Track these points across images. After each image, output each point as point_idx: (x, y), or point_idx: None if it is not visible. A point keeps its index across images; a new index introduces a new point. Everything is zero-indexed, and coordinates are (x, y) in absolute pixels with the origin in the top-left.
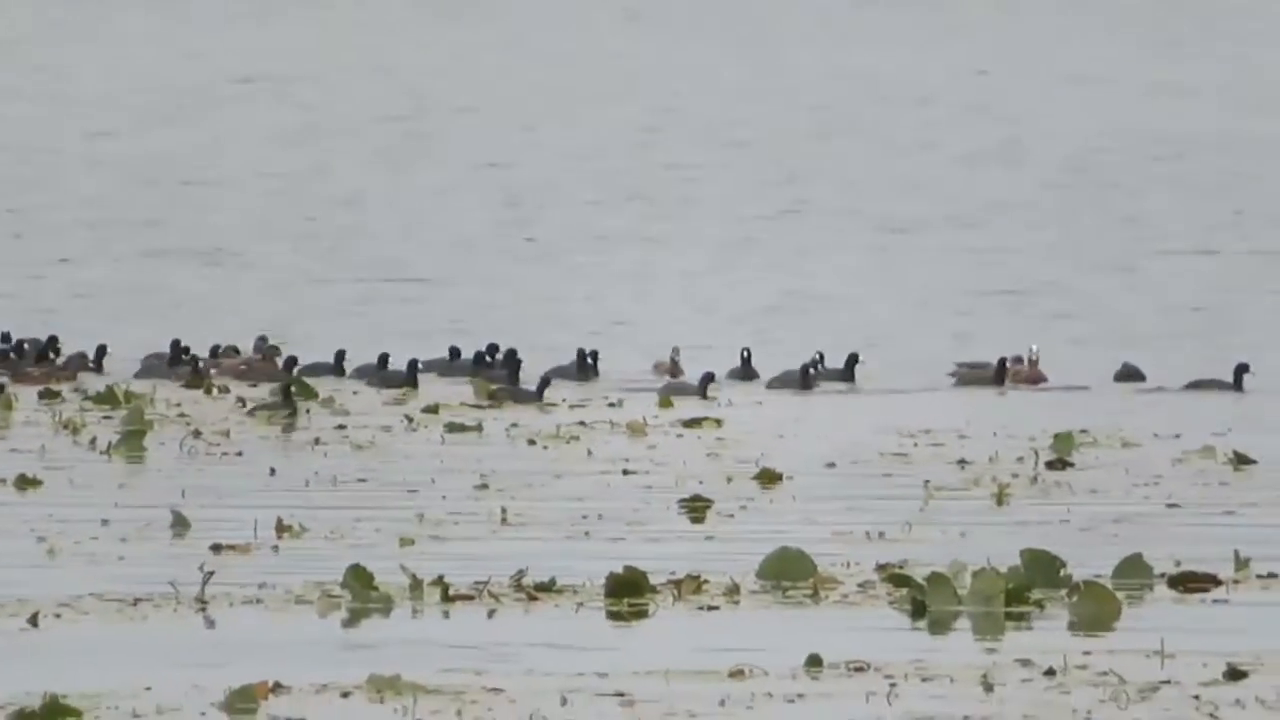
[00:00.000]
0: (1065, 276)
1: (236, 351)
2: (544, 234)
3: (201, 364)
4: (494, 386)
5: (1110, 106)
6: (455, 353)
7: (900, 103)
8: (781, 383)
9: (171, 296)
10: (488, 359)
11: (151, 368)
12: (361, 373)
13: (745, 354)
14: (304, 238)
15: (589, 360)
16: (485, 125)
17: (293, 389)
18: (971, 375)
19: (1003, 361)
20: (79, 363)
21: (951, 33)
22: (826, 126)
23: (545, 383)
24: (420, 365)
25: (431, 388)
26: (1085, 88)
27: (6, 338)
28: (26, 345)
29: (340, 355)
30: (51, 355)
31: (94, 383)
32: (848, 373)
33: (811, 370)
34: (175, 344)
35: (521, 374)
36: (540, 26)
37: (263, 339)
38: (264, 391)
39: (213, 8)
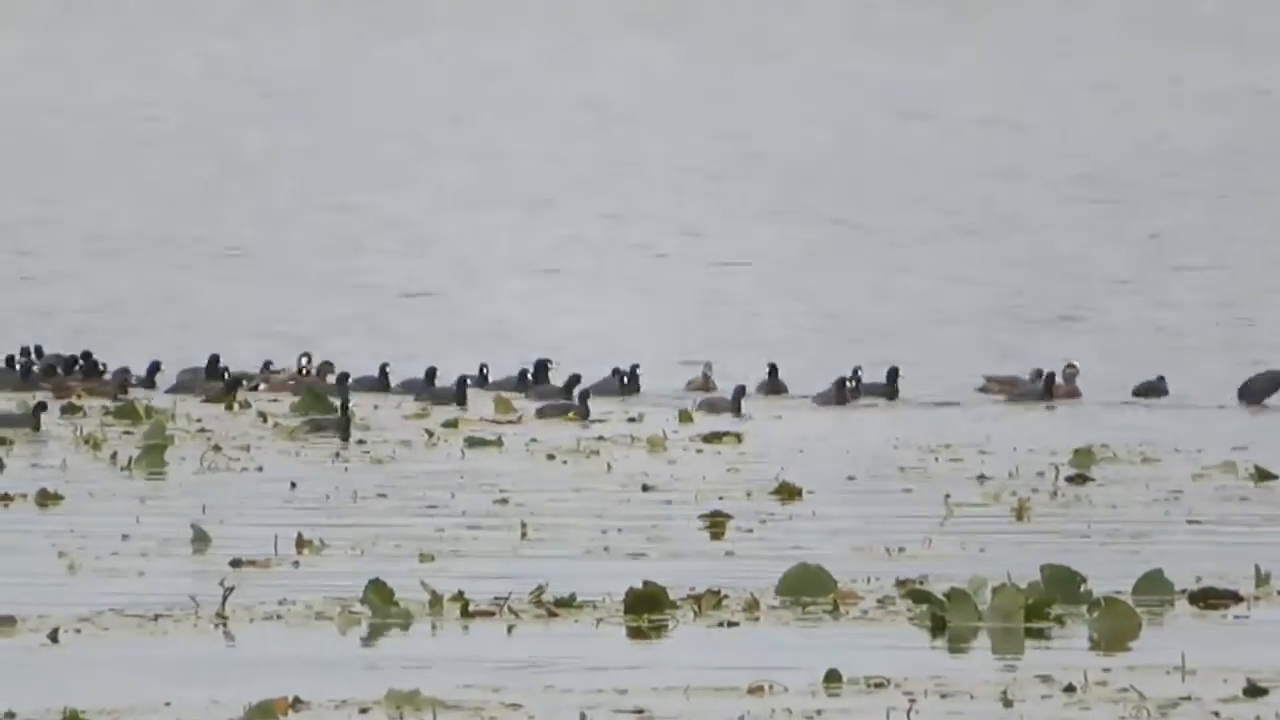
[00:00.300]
0: (1082, 290)
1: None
2: (554, 247)
3: (254, 381)
4: (542, 403)
5: (1127, 118)
6: (483, 369)
7: (912, 114)
8: (823, 399)
9: (187, 310)
10: (530, 376)
11: (186, 383)
12: (408, 387)
13: (772, 368)
14: (316, 250)
15: (634, 375)
16: (492, 136)
17: (349, 406)
18: (1019, 390)
19: (1050, 376)
20: (120, 377)
21: (963, 42)
22: (837, 138)
23: (586, 395)
24: (470, 382)
25: (479, 403)
26: (1100, 98)
27: (37, 352)
28: (81, 362)
29: (384, 369)
30: (101, 370)
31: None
32: (890, 387)
33: (851, 384)
34: (213, 360)
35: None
36: (548, 34)
37: (306, 356)
38: (285, 406)
39: (227, 17)
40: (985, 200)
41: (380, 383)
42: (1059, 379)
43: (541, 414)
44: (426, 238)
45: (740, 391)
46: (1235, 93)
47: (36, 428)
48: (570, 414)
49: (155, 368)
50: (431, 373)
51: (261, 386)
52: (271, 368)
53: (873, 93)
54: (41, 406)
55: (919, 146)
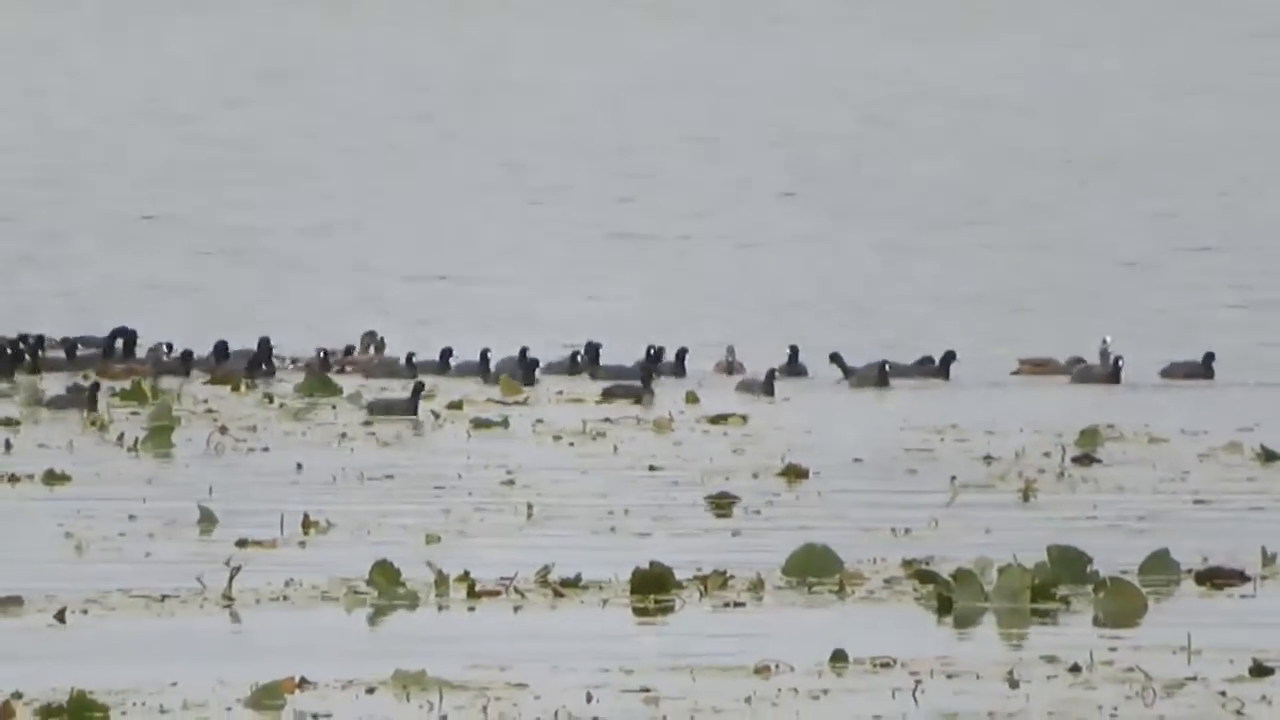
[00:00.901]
0: (1092, 271)
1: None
2: (568, 232)
3: (338, 362)
4: (608, 383)
5: (1136, 104)
6: (524, 353)
7: (928, 102)
8: (861, 380)
9: (204, 294)
10: (578, 359)
11: (239, 365)
12: (462, 370)
13: (792, 350)
14: (322, 234)
15: (680, 359)
16: (509, 121)
17: (422, 389)
18: (1085, 373)
19: (1118, 359)
20: (154, 357)
21: (977, 31)
22: (856, 125)
23: (649, 376)
24: (542, 366)
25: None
26: (1113, 86)
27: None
28: (167, 349)
29: (446, 353)
30: (178, 355)
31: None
32: (943, 370)
33: (886, 367)
34: (263, 341)
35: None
36: (571, 23)
37: (370, 334)
38: (289, 389)
39: (237, 4)
40: (998, 185)
41: (441, 365)
42: (1081, 358)
43: (609, 395)
44: (435, 223)
45: (773, 374)
46: (1248, 76)
47: (94, 408)
48: (636, 395)
49: (223, 348)
50: (485, 354)
51: (348, 369)
52: (352, 351)
53: (892, 80)
54: (96, 388)
55: (933, 132)
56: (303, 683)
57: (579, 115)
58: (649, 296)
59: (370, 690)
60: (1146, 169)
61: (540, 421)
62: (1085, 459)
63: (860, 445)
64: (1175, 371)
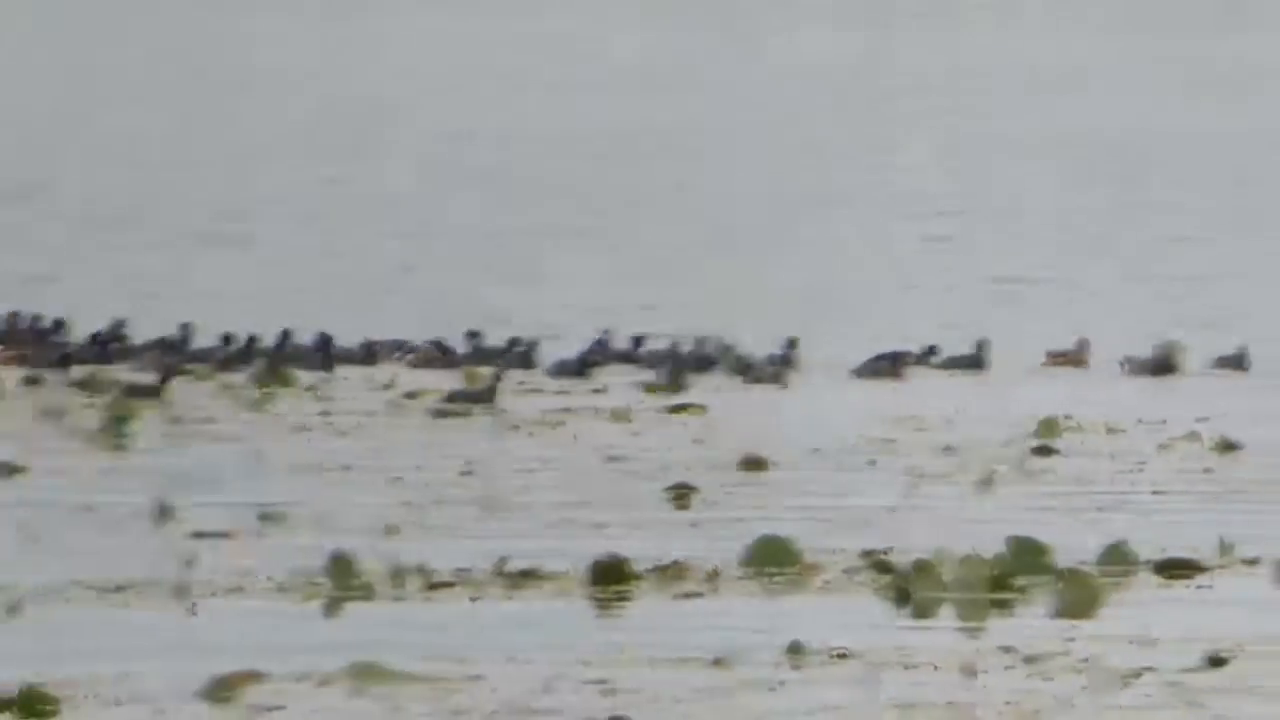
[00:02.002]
0: (1065, 261)
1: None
2: (571, 222)
3: (400, 357)
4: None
5: (1134, 97)
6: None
7: (920, 94)
8: (869, 370)
9: (185, 284)
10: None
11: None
12: (510, 361)
13: (791, 341)
14: (309, 221)
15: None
16: (504, 116)
17: (499, 381)
18: (1138, 365)
19: (1168, 350)
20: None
21: (968, 25)
22: (854, 117)
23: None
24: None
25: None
26: (1108, 80)
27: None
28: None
29: (513, 344)
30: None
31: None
32: (976, 357)
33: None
34: (322, 335)
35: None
36: (567, 19)
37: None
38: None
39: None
40: (996, 178)
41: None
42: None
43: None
44: (419, 214)
45: (784, 364)
46: (1249, 72)
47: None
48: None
49: (286, 336)
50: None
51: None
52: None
53: (884, 73)
54: (167, 379)
55: (930, 125)
56: (258, 675)
57: (575, 111)
58: (646, 291)
59: (325, 683)
60: (1140, 159)
61: (501, 411)
62: (1044, 449)
63: (819, 435)
64: (1218, 364)
